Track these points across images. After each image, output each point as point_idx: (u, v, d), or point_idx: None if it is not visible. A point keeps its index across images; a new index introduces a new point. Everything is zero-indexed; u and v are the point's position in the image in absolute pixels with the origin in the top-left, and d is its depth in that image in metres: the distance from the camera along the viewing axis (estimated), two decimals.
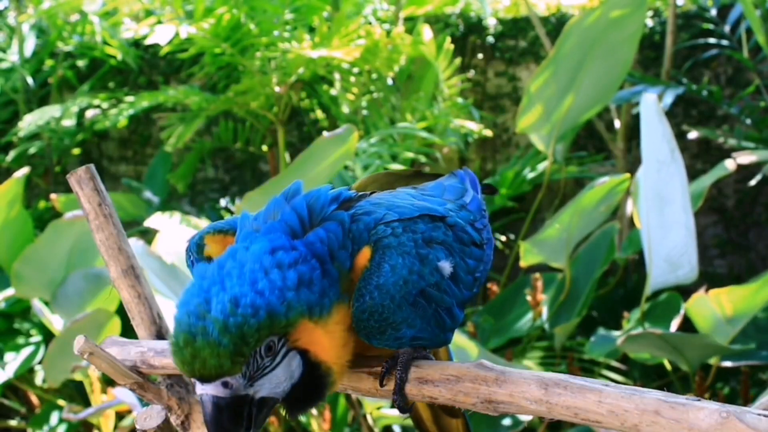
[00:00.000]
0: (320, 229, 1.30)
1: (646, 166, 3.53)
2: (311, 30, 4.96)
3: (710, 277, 4.96)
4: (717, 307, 3.46)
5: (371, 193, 1.45)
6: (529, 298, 4.13)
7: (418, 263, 1.31)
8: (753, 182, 4.81)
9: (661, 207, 3.49)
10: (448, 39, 5.04)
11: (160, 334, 1.66)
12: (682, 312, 3.77)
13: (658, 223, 3.49)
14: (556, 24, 5.34)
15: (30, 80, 5.80)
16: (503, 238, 5.28)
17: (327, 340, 1.26)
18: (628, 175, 3.97)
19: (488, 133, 5.19)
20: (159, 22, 5.15)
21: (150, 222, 4.07)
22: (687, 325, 3.74)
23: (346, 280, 1.29)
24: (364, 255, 1.31)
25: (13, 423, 4.77)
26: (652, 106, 3.51)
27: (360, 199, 1.40)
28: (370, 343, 1.30)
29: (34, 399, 4.48)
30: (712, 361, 3.71)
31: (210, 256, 1.41)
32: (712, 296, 3.43)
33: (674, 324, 3.77)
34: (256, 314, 1.18)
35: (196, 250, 1.43)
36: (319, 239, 1.29)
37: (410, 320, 1.30)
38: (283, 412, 1.34)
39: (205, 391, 1.21)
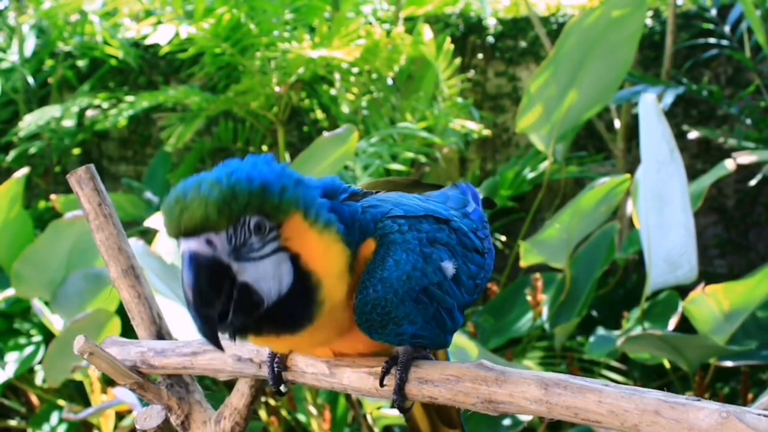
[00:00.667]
0: (339, 203, 1.33)
1: (646, 166, 3.53)
2: (311, 30, 4.96)
3: (710, 277, 4.94)
4: (714, 304, 3.46)
5: (376, 192, 1.47)
6: (529, 298, 4.13)
7: (422, 261, 1.32)
8: (753, 182, 4.81)
9: (661, 207, 3.49)
10: (448, 39, 5.04)
11: (160, 334, 1.67)
12: (679, 310, 3.77)
13: (657, 223, 3.49)
14: (556, 24, 5.34)
15: (30, 80, 5.80)
16: (503, 238, 5.28)
17: (320, 248, 1.24)
18: (628, 175, 3.96)
19: (488, 133, 5.19)
20: (159, 22, 5.15)
21: (150, 222, 4.07)
22: (685, 324, 3.74)
23: (350, 259, 1.29)
24: (369, 246, 1.32)
25: (13, 423, 4.77)
26: (651, 106, 3.51)
27: (366, 195, 1.43)
28: (371, 338, 1.30)
29: (34, 399, 4.48)
30: (712, 360, 3.71)
31: None
32: (710, 293, 3.43)
33: (672, 322, 3.77)
34: (249, 181, 1.20)
35: None
36: (336, 206, 1.30)
37: (412, 316, 1.30)
38: (267, 328, 1.29)
39: (189, 246, 1.19)
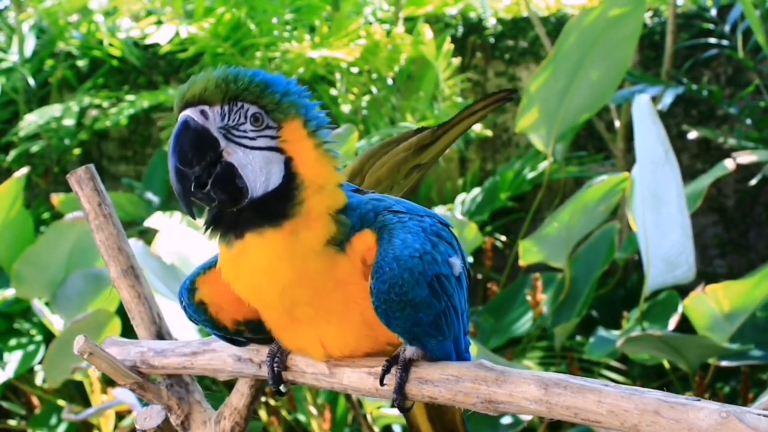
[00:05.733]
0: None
1: (641, 167, 3.53)
2: (311, 30, 4.96)
3: (710, 277, 4.95)
4: (714, 304, 3.46)
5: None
6: (529, 298, 4.13)
7: (430, 245, 1.31)
8: (753, 182, 4.81)
9: (657, 207, 3.49)
10: (448, 39, 5.03)
11: (160, 334, 1.67)
12: (680, 310, 3.77)
13: (654, 224, 3.49)
14: (556, 24, 5.34)
15: (30, 80, 5.80)
16: (503, 238, 5.28)
17: (314, 156, 1.31)
18: (627, 174, 3.97)
19: (488, 133, 5.19)
20: (159, 21, 5.15)
21: (150, 222, 4.07)
22: (685, 324, 3.74)
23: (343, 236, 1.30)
24: (365, 237, 1.31)
25: (13, 423, 4.77)
26: (645, 107, 3.51)
27: (364, 193, 1.42)
28: (389, 325, 1.29)
29: (34, 399, 4.48)
30: (712, 360, 3.71)
31: (202, 300, 1.41)
32: (710, 292, 3.43)
33: (672, 322, 3.76)
34: (254, 75, 1.30)
35: (187, 296, 1.42)
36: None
37: (428, 304, 1.29)
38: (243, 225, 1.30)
39: (184, 113, 1.29)
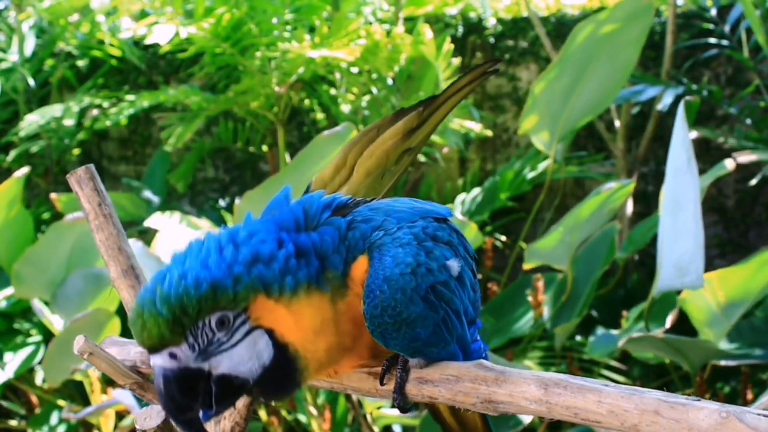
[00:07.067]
0: (314, 233, 1.29)
1: (668, 169, 3.55)
2: (311, 30, 4.96)
3: None
4: (710, 295, 3.46)
5: (371, 200, 1.43)
6: (530, 298, 4.13)
7: (423, 255, 1.28)
8: (753, 182, 4.81)
9: (675, 212, 3.49)
10: (448, 39, 5.03)
11: None
12: (677, 307, 3.78)
13: (670, 228, 3.49)
14: (556, 24, 5.34)
15: (30, 80, 5.79)
16: (503, 238, 5.28)
17: (292, 320, 1.23)
18: (633, 181, 4.00)
19: (488, 133, 5.19)
20: (157, 22, 5.15)
21: (150, 222, 4.07)
22: (686, 322, 3.74)
23: (337, 282, 1.27)
24: (361, 264, 1.28)
25: (13, 423, 4.77)
26: (680, 110, 3.51)
27: (357, 206, 1.38)
28: (387, 346, 1.28)
29: (34, 399, 4.48)
30: (713, 360, 3.72)
31: None
32: (704, 280, 3.42)
33: (669, 319, 3.77)
34: (197, 287, 1.19)
35: None
36: (310, 239, 1.28)
37: (424, 318, 1.27)
38: (258, 399, 1.31)
39: (155, 362, 1.22)
